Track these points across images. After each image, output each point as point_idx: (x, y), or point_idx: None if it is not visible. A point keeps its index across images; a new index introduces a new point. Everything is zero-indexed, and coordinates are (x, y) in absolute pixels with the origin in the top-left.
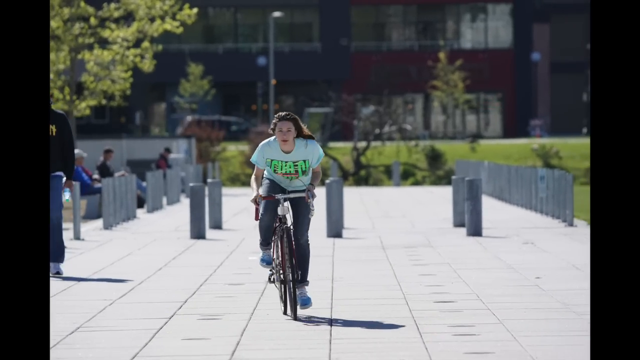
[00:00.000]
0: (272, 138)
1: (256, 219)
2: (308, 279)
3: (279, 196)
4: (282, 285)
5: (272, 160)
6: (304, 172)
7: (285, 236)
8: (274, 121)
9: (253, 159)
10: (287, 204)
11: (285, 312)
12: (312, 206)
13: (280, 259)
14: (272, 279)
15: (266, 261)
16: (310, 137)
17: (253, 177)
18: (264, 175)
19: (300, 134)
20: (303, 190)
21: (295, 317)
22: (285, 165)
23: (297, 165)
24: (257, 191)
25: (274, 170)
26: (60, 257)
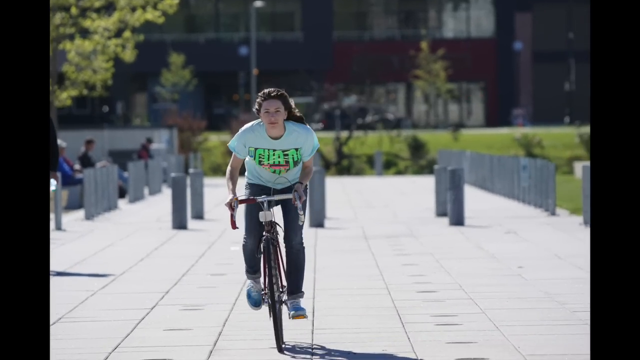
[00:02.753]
0: (256, 122)
1: (233, 227)
2: (303, 290)
3: (261, 199)
4: (271, 309)
5: (256, 149)
6: (295, 163)
7: (269, 247)
8: (258, 100)
9: (231, 144)
10: (272, 209)
11: (280, 350)
12: (301, 210)
13: (263, 274)
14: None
15: (254, 300)
16: (301, 120)
17: (228, 170)
18: (246, 175)
19: (290, 116)
20: (290, 189)
21: (280, 349)
22: (274, 155)
23: (287, 155)
24: (233, 192)
25: (259, 162)
26: None
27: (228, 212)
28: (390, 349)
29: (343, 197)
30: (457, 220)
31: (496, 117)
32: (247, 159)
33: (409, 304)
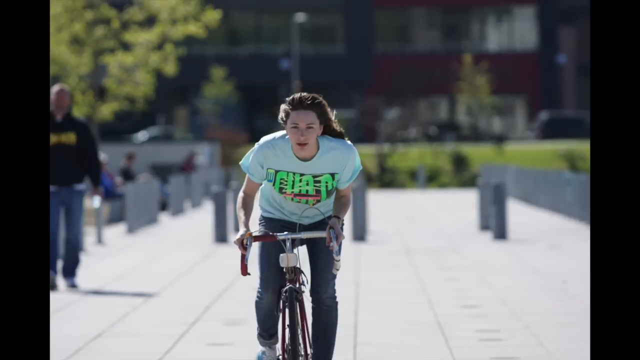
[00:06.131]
0: (279, 135)
1: (243, 273)
2: None
3: (283, 236)
4: None
5: (277, 171)
6: (329, 194)
7: (292, 302)
8: (284, 107)
9: (244, 163)
10: (296, 249)
11: None
12: (338, 254)
13: (280, 337)
14: None
15: None
16: (341, 136)
17: (240, 197)
18: (260, 205)
19: (327, 129)
20: (322, 225)
21: None
22: (300, 182)
23: (319, 183)
24: (246, 226)
25: (280, 190)
26: (75, 272)
27: (238, 252)
28: None
29: (385, 211)
30: (501, 234)
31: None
32: (264, 183)
33: (452, 319)
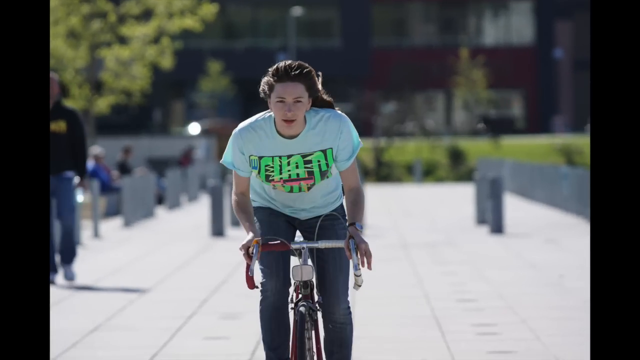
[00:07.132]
0: (258, 116)
1: (250, 286)
2: None
3: (298, 245)
4: None
5: (260, 157)
6: (322, 175)
7: (302, 320)
8: (267, 79)
9: (225, 159)
10: (309, 259)
11: None
12: (356, 269)
13: (291, 354)
14: None
15: None
16: (330, 106)
17: (234, 201)
18: (250, 196)
19: (316, 101)
20: (324, 220)
21: None
22: (289, 165)
23: (310, 163)
24: (252, 231)
25: (267, 178)
26: (71, 260)
27: (235, 247)
28: (430, 358)
29: (382, 205)
30: (497, 228)
31: (536, 124)
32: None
33: (449, 313)
